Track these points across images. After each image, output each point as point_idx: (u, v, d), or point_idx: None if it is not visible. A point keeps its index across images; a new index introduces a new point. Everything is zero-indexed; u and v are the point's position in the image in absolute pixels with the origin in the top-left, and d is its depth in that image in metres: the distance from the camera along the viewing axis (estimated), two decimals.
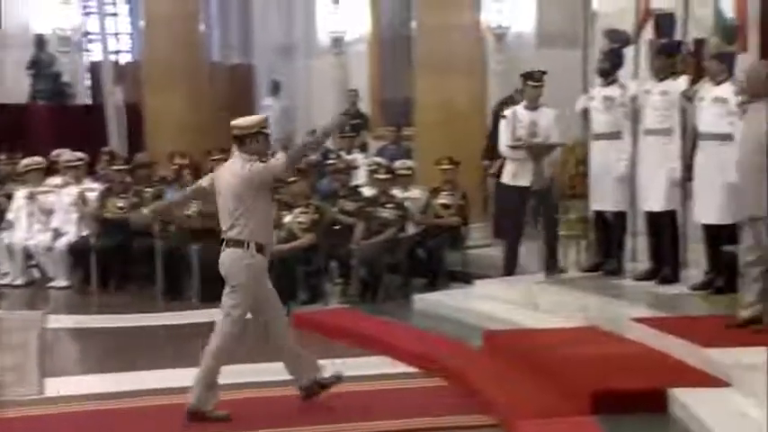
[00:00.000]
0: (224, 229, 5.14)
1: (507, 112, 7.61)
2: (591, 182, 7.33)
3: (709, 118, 6.34)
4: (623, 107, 7.09)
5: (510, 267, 7.66)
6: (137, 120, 11.53)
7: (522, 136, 7.41)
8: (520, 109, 7.56)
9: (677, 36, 7.02)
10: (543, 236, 7.54)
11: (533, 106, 7.50)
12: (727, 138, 6.06)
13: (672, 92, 6.72)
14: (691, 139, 6.59)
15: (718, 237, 6.33)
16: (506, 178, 7.60)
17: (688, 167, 6.58)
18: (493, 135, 9.41)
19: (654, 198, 6.84)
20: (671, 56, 6.83)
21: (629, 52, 7.27)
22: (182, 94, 10.76)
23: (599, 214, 7.38)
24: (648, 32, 7.33)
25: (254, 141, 5.09)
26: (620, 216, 7.25)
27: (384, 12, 12.39)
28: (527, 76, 7.51)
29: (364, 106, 12.14)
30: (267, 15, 13.96)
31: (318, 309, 7.69)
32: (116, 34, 15.58)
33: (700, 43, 6.92)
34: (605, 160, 7.16)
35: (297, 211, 7.94)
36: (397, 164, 8.85)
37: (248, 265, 5.04)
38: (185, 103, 10.75)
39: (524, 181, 7.45)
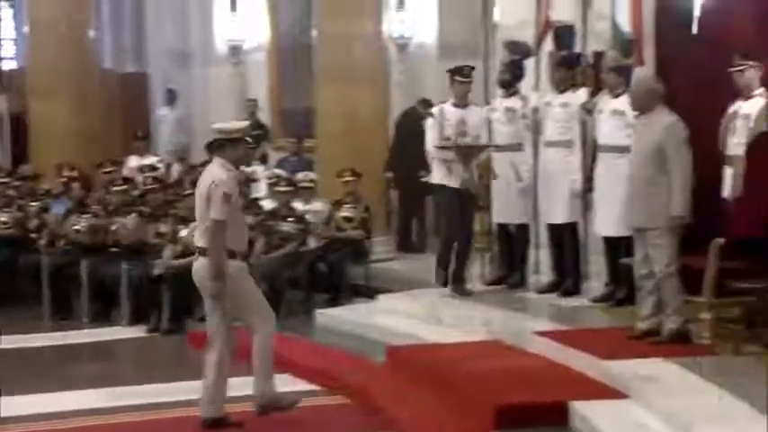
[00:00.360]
0: (196, 237, 5.05)
1: (434, 110, 7.25)
2: (493, 194, 7.31)
3: (607, 130, 6.41)
4: (524, 119, 7.10)
5: (441, 277, 7.19)
6: (21, 130, 11.01)
7: (450, 135, 7.04)
8: (447, 106, 7.16)
9: (577, 48, 7.07)
10: (456, 247, 7.13)
11: (462, 104, 7.13)
12: (625, 150, 6.11)
13: (572, 104, 6.76)
14: (591, 150, 6.65)
15: (618, 248, 6.39)
16: (436, 178, 7.15)
17: (588, 179, 6.63)
18: (395, 146, 9.37)
19: (555, 210, 6.86)
20: (571, 68, 6.88)
21: (529, 64, 7.29)
22: (68, 102, 10.25)
23: (502, 227, 7.36)
24: (549, 44, 7.37)
25: (235, 148, 5.01)
26: (523, 228, 7.24)
27: (283, 19, 12.19)
28: (455, 72, 7.13)
29: (264, 116, 11.90)
30: (162, 21, 13.54)
31: None
32: None
33: (599, 56, 6.99)
34: (507, 172, 7.15)
35: (193, 225, 7.65)
36: (299, 176, 8.67)
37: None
38: (72, 112, 10.25)
39: (455, 182, 7.03)
